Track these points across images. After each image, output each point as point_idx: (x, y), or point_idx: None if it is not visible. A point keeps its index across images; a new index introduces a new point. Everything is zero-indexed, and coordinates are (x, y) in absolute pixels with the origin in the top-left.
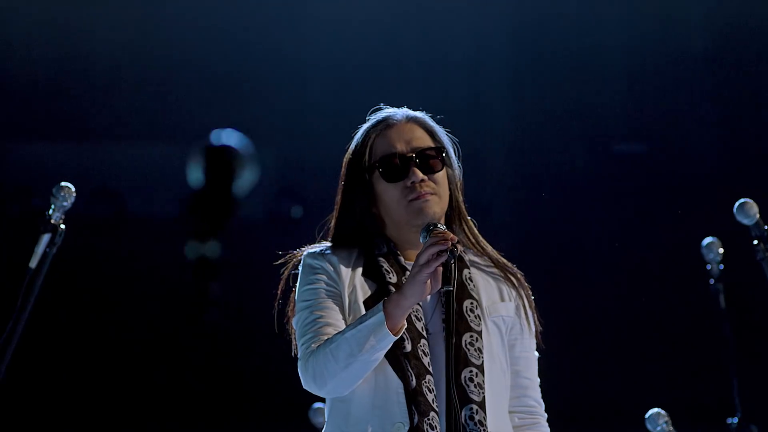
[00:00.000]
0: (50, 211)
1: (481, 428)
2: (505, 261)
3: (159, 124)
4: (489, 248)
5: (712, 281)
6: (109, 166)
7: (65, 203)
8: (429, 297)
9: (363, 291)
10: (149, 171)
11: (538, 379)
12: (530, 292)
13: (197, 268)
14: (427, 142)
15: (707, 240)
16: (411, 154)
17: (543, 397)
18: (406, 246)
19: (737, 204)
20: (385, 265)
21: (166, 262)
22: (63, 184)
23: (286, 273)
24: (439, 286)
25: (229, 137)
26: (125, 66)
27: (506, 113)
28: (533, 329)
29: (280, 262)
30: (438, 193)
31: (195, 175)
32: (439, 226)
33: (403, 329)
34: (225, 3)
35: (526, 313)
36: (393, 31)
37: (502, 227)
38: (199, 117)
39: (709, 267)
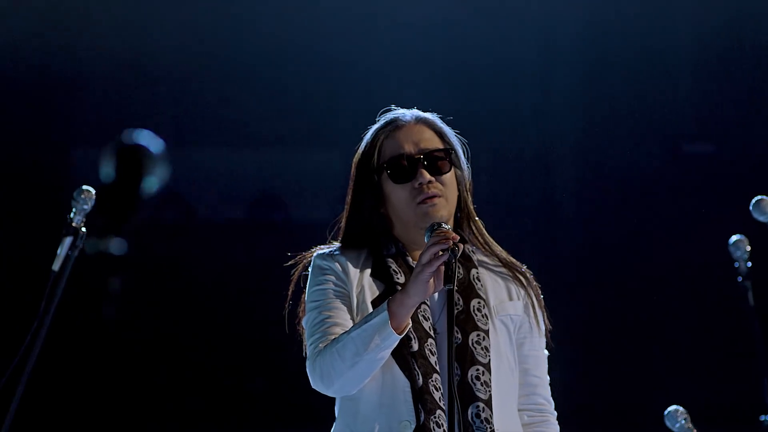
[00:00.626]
0: (72, 215)
1: (488, 426)
2: (513, 260)
3: (320, 129)
4: (497, 248)
5: (740, 279)
6: (268, 170)
7: (86, 206)
8: (437, 296)
9: (371, 291)
10: (308, 176)
11: (548, 378)
12: (539, 291)
13: (97, 263)
14: (435, 143)
15: (734, 238)
16: (419, 156)
17: (584, 395)
18: (413, 246)
19: (753, 201)
20: (393, 266)
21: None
22: (84, 187)
23: (296, 274)
24: (442, 285)
25: (142, 137)
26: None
27: (574, 114)
28: (542, 328)
29: (290, 263)
30: (445, 194)
31: (105, 171)
32: (443, 225)
33: (408, 328)
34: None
35: (534, 312)
36: (461, 32)
37: (571, 228)
38: (347, 124)
39: (737, 265)
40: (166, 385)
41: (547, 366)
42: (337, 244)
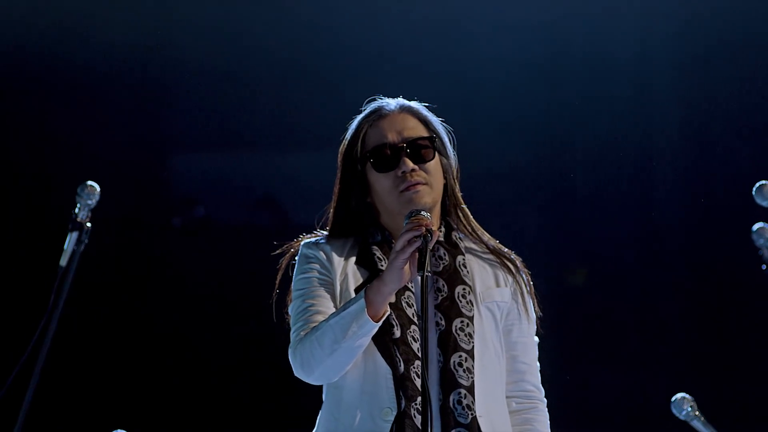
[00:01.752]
0: (76, 210)
1: (469, 412)
2: (501, 247)
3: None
4: (485, 235)
5: (764, 267)
6: (273, 175)
7: (90, 201)
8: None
9: (355, 278)
10: (314, 181)
11: (538, 365)
12: (529, 278)
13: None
14: (419, 131)
15: (757, 225)
16: (402, 144)
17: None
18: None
19: (756, 186)
20: (378, 253)
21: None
22: (88, 183)
23: (284, 263)
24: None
25: None
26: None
27: (672, 111)
28: (532, 315)
29: (278, 252)
30: (429, 182)
31: None
32: (422, 213)
33: (386, 316)
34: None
35: (523, 299)
36: (557, 31)
37: (672, 226)
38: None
39: (761, 253)
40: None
41: (536, 353)
42: (324, 233)
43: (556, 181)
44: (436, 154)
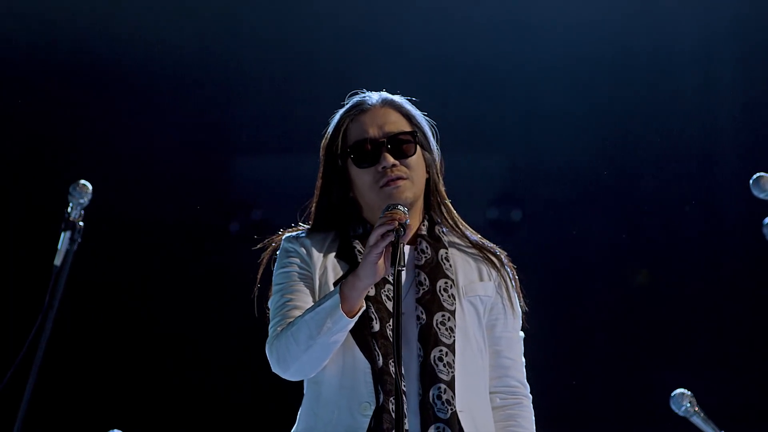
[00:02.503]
0: (69, 209)
1: (449, 407)
2: (484, 242)
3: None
4: (468, 230)
5: None
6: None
7: (82, 200)
8: (404, 277)
9: (335, 272)
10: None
11: (523, 360)
12: (514, 273)
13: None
14: (401, 126)
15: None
16: (383, 139)
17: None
18: None
19: (753, 178)
20: (359, 247)
21: None
22: (81, 182)
23: (265, 258)
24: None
25: None
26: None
27: (737, 107)
28: (517, 310)
29: (259, 246)
30: (410, 177)
31: None
32: (399, 207)
33: (362, 311)
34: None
35: (508, 294)
36: (620, 27)
37: (737, 228)
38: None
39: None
40: None
41: (521, 348)
42: (306, 227)
43: (620, 179)
44: (419, 148)
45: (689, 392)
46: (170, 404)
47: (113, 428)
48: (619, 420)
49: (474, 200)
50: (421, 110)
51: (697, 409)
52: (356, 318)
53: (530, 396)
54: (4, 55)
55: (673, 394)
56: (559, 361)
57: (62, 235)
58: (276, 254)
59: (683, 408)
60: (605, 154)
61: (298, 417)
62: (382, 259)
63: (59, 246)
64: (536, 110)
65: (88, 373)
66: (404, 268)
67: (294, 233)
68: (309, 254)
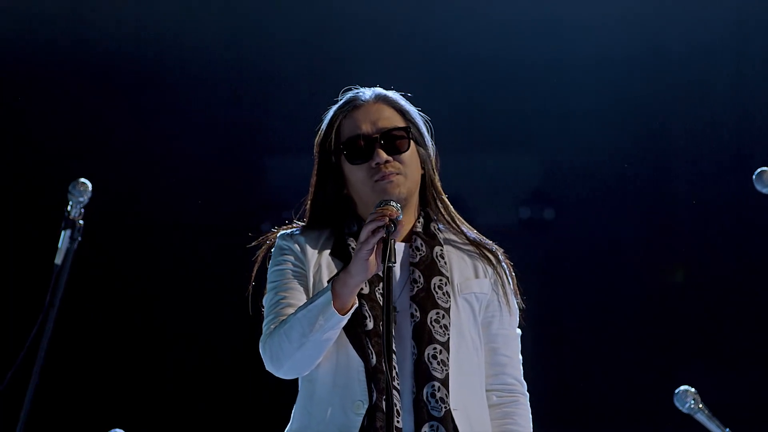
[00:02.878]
0: (69, 208)
1: (443, 405)
2: (481, 239)
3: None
4: (465, 226)
5: None
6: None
7: (81, 199)
8: (398, 274)
9: (329, 270)
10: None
11: (520, 358)
12: (511, 270)
13: None
14: (394, 121)
15: None
16: (376, 135)
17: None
18: None
19: (756, 173)
20: (353, 244)
21: None
22: (80, 180)
23: (260, 256)
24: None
25: None
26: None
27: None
28: (513, 307)
29: (254, 244)
30: (404, 173)
31: None
32: (391, 203)
33: (354, 308)
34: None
35: (504, 291)
36: (650, 26)
37: None
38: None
39: None
40: None
41: (518, 345)
42: (301, 224)
43: (652, 177)
44: (413, 144)
45: (693, 389)
46: (172, 404)
47: (115, 428)
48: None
49: (506, 200)
50: (452, 111)
51: (701, 406)
52: (348, 315)
53: (527, 394)
54: (37, 50)
55: (677, 391)
56: (592, 359)
57: (62, 233)
58: (271, 252)
59: (687, 405)
60: (637, 151)
61: (292, 415)
62: (373, 256)
63: (59, 245)
64: (568, 108)
65: (90, 372)
66: (395, 265)
67: (288, 231)
68: (303, 252)
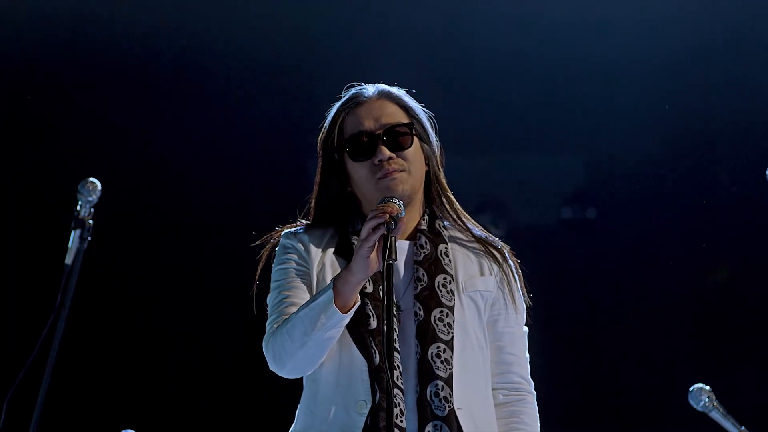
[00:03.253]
0: (78, 207)
1: (446, 405)
2: (486, 236)
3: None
4: (471, 223)
5: None
6: (489, 178)
7: (90, 198)
8: (402, 273)
9: (332, 269)
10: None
11: (527, 356)
12: (518, 267)
13: None
14: (398, 117)
15: None
16: (379, 132)
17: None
18: None
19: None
20: (357, 242)
21: (548, 273)
22: (89, 179)
23: (264, 255)
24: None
25: None
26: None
27: None
28: (519, 305)
29: (258, 243)
30: (408, 170)
31: None
32: (393, 200)
33: (356, 306)
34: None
35: (510, 288)
36: (696, 24)
37: None
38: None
39: None
40: None
41: (525, 344)
42: (306, 222)
43: (695, 176)
44: (416, 140)
45: (708, 387)
46: (178, 404)
47: (126, 428)
48: None
49: (548, 200)
50: (495, 111)
51: (716, 404)
52: (350, 314)
53: (534, 393)
54: (65, 46)
55: (691, 389)
56: (630, 358)
57: (72, 233)
58: (276, 251)
59: (702, 403)
60: (681, 150)
61: (296, 415)
62: (374, 253)
63: (69, 245)
64: (610, 107)
65: (96, 373)
66: (395, 262)
67: (293, 229)
68: (307, 250)
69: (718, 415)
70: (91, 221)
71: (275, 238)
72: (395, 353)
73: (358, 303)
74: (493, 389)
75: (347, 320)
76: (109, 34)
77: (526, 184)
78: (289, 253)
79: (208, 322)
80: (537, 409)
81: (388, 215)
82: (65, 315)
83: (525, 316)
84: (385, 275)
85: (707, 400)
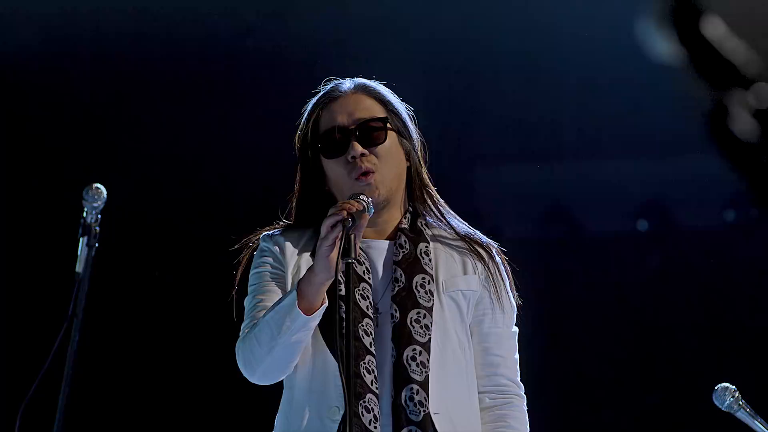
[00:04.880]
0: (84, 214)
1: (421, 409)
2: (471, 233)
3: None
4: (454, 220)
5: None
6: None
7: (95, 204)
8: (381, 274)
9: None
10: (600, 188)
11: (516, 357)
12: (506, 266)
13: None
14: (373, 112)
15: None
16: (351, 127)
17: None
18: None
19: None
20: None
21: (625, 281)
22: (94, 185)
23: (244, 259)
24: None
25: None
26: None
27: None
28: (506, 304)
29: (236, 247)
30: (380, 168)
31: None
32: (361, 198)
33: (322, 308)
34: None
35: (497, 288)
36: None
37: None
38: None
39: None
40: None
41: (513, 345)
42: (286, 224)
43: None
44: (394, 135)
45: (733, 386)
46: (184, 404)
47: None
48: None
49: (708, 204)
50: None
51: (741, 403)
52: (317, 316)
53: (524, 395)
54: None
55: (716, 388)
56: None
57: (80, 240)
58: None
59: (726, 403)
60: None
61: (275, 423)
62: (334, 252)
63: (79, 253)
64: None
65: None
66: (354, 261)
67: (270, 231)
68: (283, 253)
69: (744, 415)
70: (98, 228)
71: (254, 241)
72: (369, 357)
73: (326, 305)
74: (479, 393)
75: (313, 323)
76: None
77: (683, 190)
78: (265, 256)
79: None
80: (526, 413)
81: (346, 212)
82: (78, 325)
83: (514, 317)
84: (346, 277)
85: (732, 399)
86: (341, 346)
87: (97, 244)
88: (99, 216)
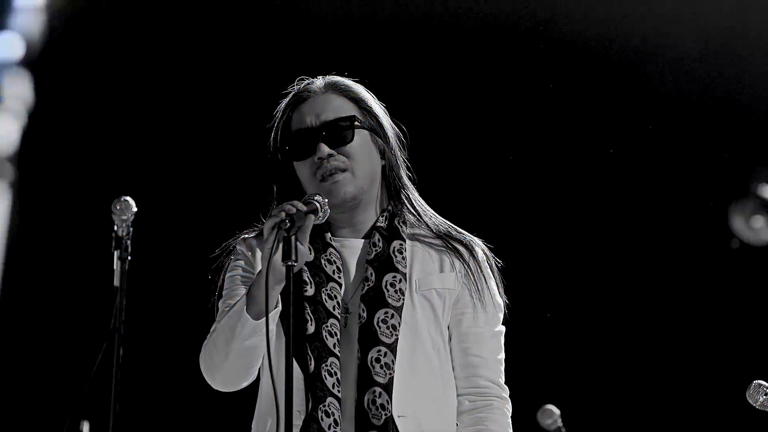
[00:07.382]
0: (115, 227)
1: (383, 412)
2: (449, 231)
3: None
4: (431, 219)
5: None
6: None
7: (124, 216)
8: (353, 273)
9: None
10: None
11: (499, 358)
12: (489, 263)
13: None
14: (341, 111)
15: None
16: (318, 127)
17: None
18: (335, 224)
19: None
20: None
21: None
22: (122, 198)
23: (227, 262)
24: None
25: None
26: None
27: None
28: (488, 302)
29: (217, 252)
30: (350, 168)
31: None
32: (315, 198)
33: (276, 312)
34: None
35: (478, 286)
36: None
37: None
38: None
39: None
40: None
41: (495, 345)
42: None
43: None
44: (365, 133)
45: (766, 383)
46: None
47: None
48: None
49: None
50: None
51: None
52: (265, 320)
53: (505, 397)
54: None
55: (751, 384)
56: None
57: (114, 254)
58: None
59: (760, 401)
60: None
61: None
62: (278, 255)
63: (115, 267)
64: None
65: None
66: (296, 263)
67: (246, 234)
68: (254, 256)
69: None
70: (128, 240)
71: (232, 245)
72: (332, 359)
73: (279, 308)
74: (458, 395)
75: (262, 327)
76: None
77: None
78: (238, 259)
79: None
80: (507, 415)
81: (284, 213)
82: (119, 339)
83: (500, 316)
84: (287, 280)
85: (765, 397)
86: (287, 348)
87: (129, 257)
88: (131, 228)
